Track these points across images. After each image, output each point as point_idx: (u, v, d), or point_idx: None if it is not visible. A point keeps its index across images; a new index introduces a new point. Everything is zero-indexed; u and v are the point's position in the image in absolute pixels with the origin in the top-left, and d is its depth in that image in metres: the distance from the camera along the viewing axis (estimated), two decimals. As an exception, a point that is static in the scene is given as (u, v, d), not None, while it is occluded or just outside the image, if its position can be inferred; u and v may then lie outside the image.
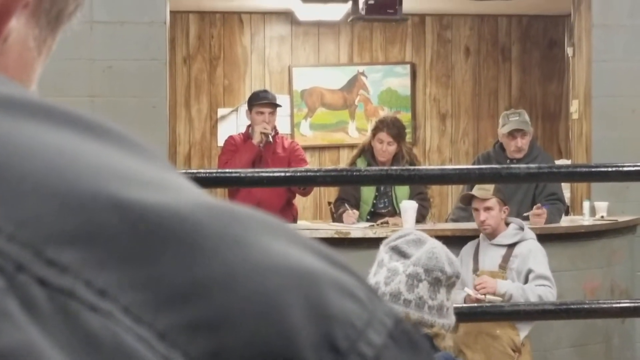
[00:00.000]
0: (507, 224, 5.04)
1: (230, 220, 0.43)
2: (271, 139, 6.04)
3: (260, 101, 6.08)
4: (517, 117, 5.85)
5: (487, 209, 4.95)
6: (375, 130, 5.94)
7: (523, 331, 4.85)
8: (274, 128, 6.16)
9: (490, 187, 4.95)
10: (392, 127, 5.89)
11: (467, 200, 5.10)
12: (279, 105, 6.19)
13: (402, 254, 2.40)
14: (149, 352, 0.38)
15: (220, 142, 7.62)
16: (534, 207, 5.49)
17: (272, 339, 0.40)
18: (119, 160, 0.44)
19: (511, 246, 4.95)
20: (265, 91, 6.40)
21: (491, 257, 4.98)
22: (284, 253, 0.43)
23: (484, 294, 4.76)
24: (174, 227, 0.41)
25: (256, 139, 6.02)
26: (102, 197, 0.40)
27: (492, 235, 4.99)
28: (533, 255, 4.87)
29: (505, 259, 4.92)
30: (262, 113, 6.05)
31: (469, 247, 5.13)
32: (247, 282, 0.41)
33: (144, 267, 0.39)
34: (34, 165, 0.41)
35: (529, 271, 4.84)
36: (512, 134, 5.81)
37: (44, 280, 0.38)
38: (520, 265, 4.87)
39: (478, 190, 4.99)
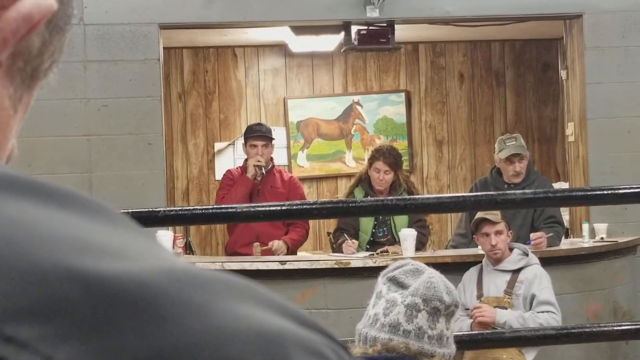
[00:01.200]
0: (511, 250, 5.03)
1: (193, 286, 0.42)
2: (264, 172, 6.03)
3: (253, 134, 6.10)
4: (514, 142, 5.85)
5: (498, 232, 4.95)
6: (372, 160, 5.93)
7: (529, 355, 4.82)
8: (271, 160, 6.16)
9: (498, 212, 4.96)
10: (388, 156, 5.89)
11: (477, 225, 5.08)
12: (272, 138, 6.18)
13: (400, 285, 2.39)
14: None
15: (218, 176, 7.62)
16: (532, 234, 5.47)
17: None
18: (81, 228, 0.43)
19: (516, 271, 4.93)
20: (259, 124, 6.41)
21: (496, 283, 4.96)
22: (249, 316, 0.42)
23: (483, 324, 4.73)
24: (135, 296, 0.40)
25: (250, 172, 6.03)
26: (61, 269, 0.40)
27: (497, 261, 4.97)
28: (538, 280, 4.86)
29: (511, 284, 4.91)
30: (255, 146, 6.06)
31: (471, 274, 5.11)
32: (211, 349, 0.40)
33: (106, 338, 0.39)
34: None
35: (533, 297, 4.83)
36: (509, 159, 5.81)
37: (3, 358, 0.38)
38: (526, 290, 4.86)
39: (489, 214, 4.97)
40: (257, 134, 6.09)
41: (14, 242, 0.40)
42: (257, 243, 5.79)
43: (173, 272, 0.43)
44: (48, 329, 0.39)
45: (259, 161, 6.00)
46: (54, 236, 0.42)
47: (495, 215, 4.96)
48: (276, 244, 5.89)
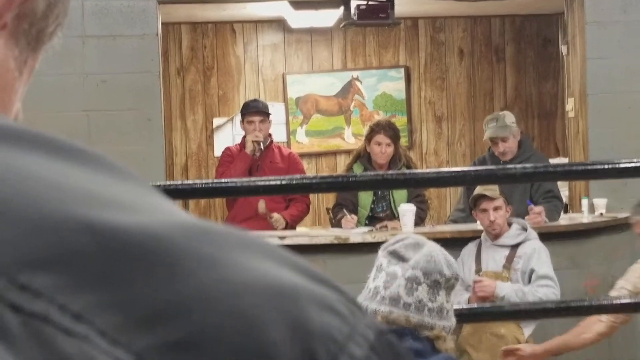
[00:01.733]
0: (509, 224, 5.04)
1: (206, 239, 0.42)
2: (262, 147, 6.04)
3: (249, 110, 6.10)
4: (495, 124, 5.83)
5: (496, 208, 4.95)
6: (372, 134, 5.92)
7: (527, 329, 4.85)
8: (269, 136, 6.16)
9: (496, 187, 4.96)
10: (388, 129, 5.90)
11: (476, 201, 5.09)
12: (269, 114, 6.17)
13: (400, 258, 2.40)
14: None
15: (217, 152, 7.62)
16: (529, 209, 5.47)
17: (251, 357, 0.39)
18: (92, 182, 0.43)
19: (515, 246, 4.95)
20: (255, 100, 6.41)
21: (494, 257, 4.97)
22: (262, 270, 0.42)
23: (483, 298, 4.75)
24: (148, 247, 0.40)
25: (248, 148, 6.03)
26: (74, 220, 0.40)
27: (496, 236, 4.98)
28: (537, 255, 4.87)
29: (509, 259, 4.92)
30: (252, 122, 6.06)
31: (470, 249, 5.12)
32: (224, 301, 0.40)
33: (120, 289, 0.39)
34: (2, 191, 0.40)
35: (532, 271, 4.85)
36: (493, 140, 5.82)
37: (17, 306, 0.38)
38: (525, 265, 4.87)
39: (487, 190, 4.98)
40: (254, 110, 6.08)
41: (25, 194, 0.40)
42: (262, 201, 5.85)
43: (185, 225, 0.42)
44: (61, 279, 0.39)
45: (257, 137, 6.00)
46: (65, 188, 0.42)
47: (493, 191, 4.96)
48: (276, 216, 5.93)
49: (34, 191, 0.41)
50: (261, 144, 6.03)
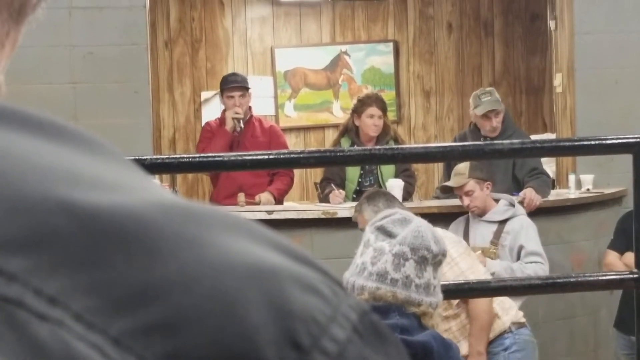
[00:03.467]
0: (497, 200, 5.04)
1: (186, 219, 0.42)
2: (242, 124, 5.94)
3: (229, 85, 6.02)
4: (489, 97, 5.82)
5: (467, 193, 4.97)
6: (364, 107, 5.88)
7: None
8: (249, 110, 6.08)
9: (465, 170, 4.96)
10: (380, 102, 5.91)
11: (447, 190, 5.15)
12: (248, 88, 6.07)
13: (387, 234, 2.40)
14: (102, 359, 0.37)
15: (205, 125, 7.58)
16: (520, 193, 5.41)
17: (231, 339, 0.39)
18: (71, 160, 0.42)
19: (502, 222, 4.96)
20: (234, 74, 6.32)
21: (482, 233, 4.99)
22: (243, 250, 0.41)
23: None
24: (127, 228, 0.39)
25: (228, 124, 5.94)
26: (51, 200, 0.39)
27: (482, 213, 5.00)
28: (525, 231, 4.89)
29: (497, 235, 4.94)
30: (232, 97, 5.97)
31: (457, 224, 5.13)
32: (203, 283, 0.39)
33: (96, 270, 0.38)
34: None
35: (521, 247, 4.86)
36: (486, 115, 5.79)
37: None
38: (513, 241, 4.89)
39: (453, 178, 5.02)
40: (233, 85, 6.00)
41: (1, 173, 0.39)
42: (242, 193, 5.77)
43: (165, 205, 0.42)
44: (37, 261, 0.38)
45: (237, 113, 5.91)
46: (43, 167, 0.41)
47: (459, 177, 4.97)
48: (263, 197, 5.85)
49: (9, 170, 0.40)
50: (241, 121, 5.95)
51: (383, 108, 5.89)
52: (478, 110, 5.80)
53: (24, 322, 0.37)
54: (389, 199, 4.27)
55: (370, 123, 5.84)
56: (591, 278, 2.97)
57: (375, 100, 5.90)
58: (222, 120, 6.05)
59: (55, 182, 0.40)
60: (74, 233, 0.39)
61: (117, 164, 0.45)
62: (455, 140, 6.18)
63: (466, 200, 4.97)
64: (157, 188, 0.44)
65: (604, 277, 3.02)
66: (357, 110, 5.92)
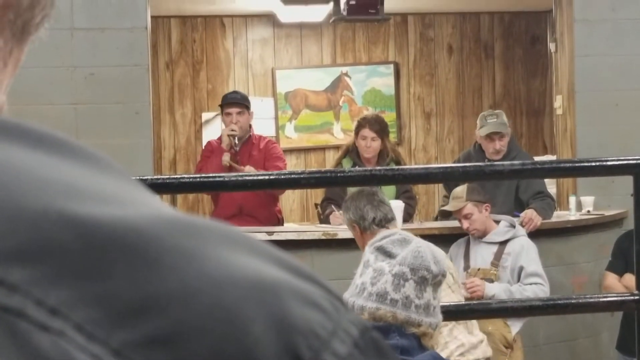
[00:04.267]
0: (497, 222, 5.04)
1: (187, 233, 0.42)
2: (237, 141, 5.87)
3: (227, 102, 5.99)
4: (495, 119, 5.80)
5: (466, 216, 4.97)
6: (358, 128, 5.94)
7: (515, 327, 4.85)
8: (250, 129, 6.01)
9: (463, 193, 4.97)
10: (374, 123, 5.89)
11: (447, 214, 5.16)
12: (248, 106, 6.00)
13: (387, 254, 2.39)
14: None
15: (206, 146, 7.59)
16: (522, 214, 5.41)
17: (231, 353, 0.39)
18: (72, 173, 0.43)
19: (503, 243, 4.96)
20: (234, 92, 6.27)
21: (482, 254, 4.98)
22: (244, 265, 0.42)
23: (474, 297, 4.76)
24: (128, 241, 0.40)
25: (224, 142, 5.89)
26: (52, 212, 0.39)
27: (482, 235, 5.00)
28: (525, 252, 4.88)
29: (497, 256, 4.93)
30: (229, 114, 5.92)
31: (458, 245, 5.13)
32: (204, 296, 0.40)
33: (98, 282, 0.38)
34: None
35: (521, 269, 4.85)
36: (490, 137, 5.76)
37: None
38: (513, 262, 4.88)
39: (451, 202, 5.03)
40: (231, 101, 5.97)
41: (3, 185, 0.39)
42: (227, 154, 5.73)
43: (166, 219, 0.42)
44: (38, 272, 0.38)
45: (232, 130, 5.86)
46: (44, 180, 0.41)
47: (456, 201, 4.98)
48: (247, 167, 5.75)
49: (11, 182, 0.40)
50: (236, 138, 5.88)
51: (378, 130, 5.87)
52: (482, 131, 5.79)
53: (25, 332, 0.37)
54: (371, 199, 4.15)
55: (363, 145, 5.87)
56: (592, 300, 2.96)
57: (369, 122, 5.90)
58: (221, 139, 6.03)
59: (57, 195, 0.40)
60: (75, 245, 0.39)
61: (118, 178, 0.45)
62: (459, 160, 6.17)
63: (465, 224, 4.98)
64: (157, 202, 0.44)
65: (605, 299, 3.02)
66: (355, 131, 5.98)
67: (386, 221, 4.01)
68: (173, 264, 0.40)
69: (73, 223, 0.39)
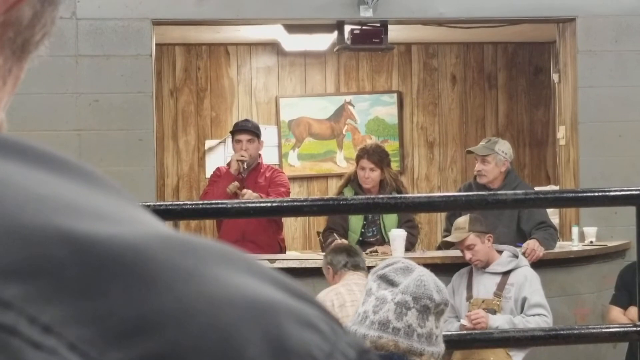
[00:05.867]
0: (500, 252, 5.03)
1: (185, 252, 0.41)
2: (245, 166, 5.96)
3: (238, 129, 6.07)
4: (483, 143, 5.88)
5: (469, 247, 4.97)
6: (357, 159, 5.98)
7: (517, 358, 4.83)
8: (259, 156, 6.10)
9: (465, 224, 4.97)
10: (372, 154, 5.89)
11: (449, 245, 5.16)
12: (258, 134, 6.09)
13: (390, 282, 2.38)
14: None
15: (209, 174, 7.60)
16: (524, 244, 5.40)
17: None
18: (70, 191, 0.42)
19: (506, 274, 4.95)
20: (246, 120, 6.38)
21: (485, 285, 4.97)
22: (241, 285, 0.41)
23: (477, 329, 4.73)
24: (124, 259, 0.39)
25: (232, 167, 5.98)
26: (49, 229, 0.39)
27: (485, 265, 4.99)
28: (529, 283, 4.87)
29: (500, 286, 4.92)
30: (240, 141, 6.01)
31: (461, 275, 5.12)
32: (200, 316, 0.39)
33: (93, 301, 0.38)
34: None
35: (525, 300, 4.84)
36: (476, 157, 5.83)
37: None
38: (517, 293, 4.87)
39: (453, 233, 5.03)
40: (242, 129, 6.05)
41: (0, 201, 0.39)
42: (236, 183, 5.77)
43: (163, 237, 0.42)
44: (33, 289, 0.38)
45: (242, 156, 5.95)
46: (42, 197, 0.41)
47: (459, 232, 4.98)
48: (248, 193, 5.78)
49: (9, 199, 0.40)
50: (245, 164, 5.96)
51: (377, 161, 5.86)
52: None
53: (17, 350, 0.36)
54: (351, 253, 4.62)
55: (361, 175, 5.88)
56: (594, 330, 2.95)
57: (367, 152, 5.91)
58: (230, 164, 6.10)
59: (54, 212, 0.40)
60: (71, 262, 0.38)
61: (116, 196, 0.45)
62: (460, 191, 6.17)
63: (468, 254, 4.97)
64: (155, 221, 0.44)
65: (608, 330, 3.00)
66: (355, 161, 6.01)
67: (355, 268, 4.57)
68: (170, 283, 0.40)
69: (69, 240, 0.39)
